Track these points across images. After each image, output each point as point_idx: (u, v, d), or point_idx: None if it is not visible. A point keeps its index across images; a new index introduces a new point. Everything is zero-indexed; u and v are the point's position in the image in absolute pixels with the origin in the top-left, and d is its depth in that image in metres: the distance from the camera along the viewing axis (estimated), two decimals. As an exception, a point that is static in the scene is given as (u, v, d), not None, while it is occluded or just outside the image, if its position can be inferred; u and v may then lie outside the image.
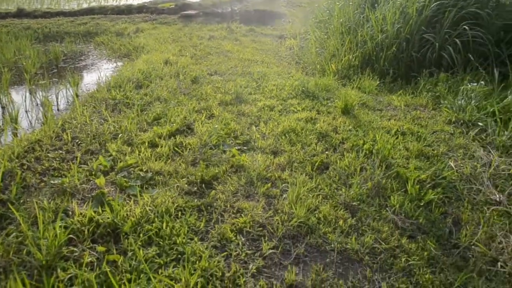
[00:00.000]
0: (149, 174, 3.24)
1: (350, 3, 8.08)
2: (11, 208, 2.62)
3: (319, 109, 4.86)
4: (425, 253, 2.53)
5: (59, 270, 2.19)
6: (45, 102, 5.20)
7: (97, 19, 13.39)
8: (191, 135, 4.03)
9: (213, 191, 3.06)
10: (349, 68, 6.67)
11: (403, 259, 2.47)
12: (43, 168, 3.28)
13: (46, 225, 2.45)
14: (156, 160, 3.47)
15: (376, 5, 7.32)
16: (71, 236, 2.45)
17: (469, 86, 5.06)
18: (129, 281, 2.16)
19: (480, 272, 2.42)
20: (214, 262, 2.33)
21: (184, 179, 3.20)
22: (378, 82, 6.00)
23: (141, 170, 3.33)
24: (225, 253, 2.45)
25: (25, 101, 5.49)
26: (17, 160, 3.34)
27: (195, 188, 3.10)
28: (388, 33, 6.52)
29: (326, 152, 3.74)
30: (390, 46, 6.43)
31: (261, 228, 2.68)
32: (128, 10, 14.91)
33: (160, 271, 2.26)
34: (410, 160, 3.64)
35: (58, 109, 5.45)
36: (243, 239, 2.57)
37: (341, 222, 2.75)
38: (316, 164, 3.49)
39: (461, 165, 3.58)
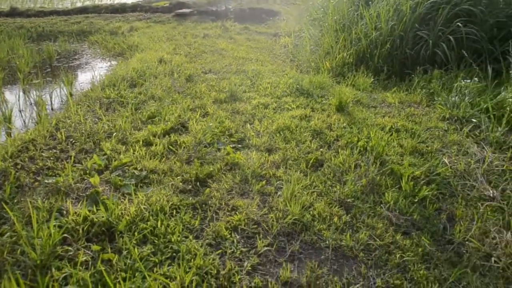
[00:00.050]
0: (144, 173, 3.24)
1: (344, 0, 8.08)
2: (5, 207, 2.61)
3: (313, 107, 4.87)
4: (420, 249, 2.54)
5: (53, 270, 2.18)
6: (39, 102, 5.18)
7: (91, 18, 13.33)
8: (185, 134, 4.03)
9: (208, 189, 3.06)
10: (343, 66, 6.67)
11: (397, 255, 2.48)
12: (37, 168, 3.26)
13: (40, 225, 2.44)
14: (150, 159, 3.47)
15: (370, 2, 7.32)
16: (65, 235, 2.45)
17: (463, 82, 5.08)
18: (124, 279, 2.15)
19: (474, 267, 2.43)
20: (209, 260, 2.33)
21: (178, 177, 3.19)
22: (372, 80, 6.01)
23: (136, 168, 3.32)
24: (220, 250, 2.45)
25: (18, 100, 5.46)
26: (10, 160, 3.32)
27: (190, 186, 3.10)
28: (382, 30, 6.53)
29: (321, 149, 3.75)
30: (384, 43, 6.44)
31: (256, 226, 2.68)
32: (122, 9, 14.85)
33: (155, 269, 2.26)
34: (404, 156, 3.65)
35: (52, 109, 5.43)
36: (238, 237, 2.58)
37: (335, 219, 2.76)
38: (311, 161, 3.50)
39: (455, 161, 3.59)
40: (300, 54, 8.16)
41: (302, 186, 3.10)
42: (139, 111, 4.54)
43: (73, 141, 3.76)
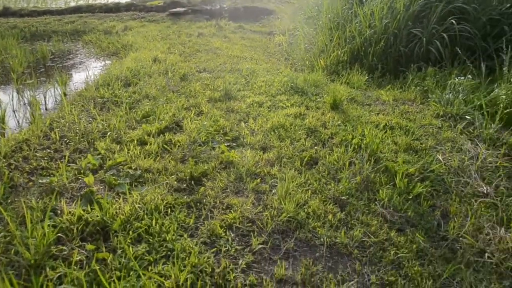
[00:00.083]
0: (138, 172, 3.23)
1: (338, -2, 8.10)
2: (-1, 208, 2.61)
3: (308, 105, 4.87)
4: (414, 246, 2.55)
5: (48, 269, 2.18)
6: (32, 102, 5.16)
7: (84, 17, 13.28)
8: (180, 132, 4.02)
9: (203, 187, 3.06)
10: (337, 64, 6.68)
11: (392, 252, 2.49)
12: (31, 168, 3.25)
13: (34, 225, 2.43)
14: (145, 158, 3.47)
15: (364, 0, 7.34)
16: (60, 235, 2.44)
17: (457, 80, 5.10)
18: (119, 278, 2.15)
19: (468, 263, 2.45)
20: (204, 258, 2.33)
21: (173, 176, 3.19)
22: (366, 77, 6.02)
23: (130, 168, 3.31)
24: (215, 249, 2.45)
25: (12, 100, 5.43)
26: (4, 160, 3.31)
27: (185, 185, 3.10)
28: (376, 28, 6.54)
29: (315, 147, 3.75)
30: (378, 41, 6.45)
31: (250, 224, 2.68)
32: (116, 8, 14.80)
33: (150, 268, 2.26)
34: (398, 154, 3.66)
35: (46, 108, 5.41)
36: (232, 235, 2.58)
37: (330, 216, 2.77)
38: (305, 159, 3.50)
39: (449, 158, 3.61)
40: (294, 53, 8.16)
41: (296, 184, 3.10)
42: (134, 111, 4.53)
43: (67, 141, 3.75)
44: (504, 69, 4.96)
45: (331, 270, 2.35)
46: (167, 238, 2.48)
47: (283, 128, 4.09)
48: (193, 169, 3.23)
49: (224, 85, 5.41)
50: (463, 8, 6.14)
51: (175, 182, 3.11)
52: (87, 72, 7.08)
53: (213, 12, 13.60)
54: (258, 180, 3.15)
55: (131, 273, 2.19)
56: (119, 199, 2.85)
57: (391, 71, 6.33)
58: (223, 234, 2.58)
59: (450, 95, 4.87)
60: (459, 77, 5.16)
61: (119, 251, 2.36)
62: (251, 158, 3.46)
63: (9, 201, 2.78)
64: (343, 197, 2.99)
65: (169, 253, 2.38)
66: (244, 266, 2.33)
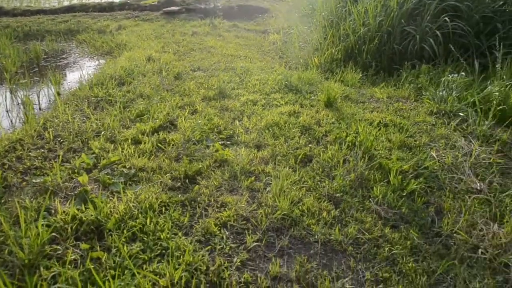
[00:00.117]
0: (133, 171, 3.23)
1: (332, -4, 8.11)
2: (-8, 207, 2.60)
3: (302, 103, 4.88)
4: (408, 242, 2.56)
5: (42, 269, 2.17)
6: (26, 101, 5.12)
7: (78, 16, 13.22)
8: (174, 131, 4.02)
9: (197, 186, 3.06)
10: (332, 62, 6.69)
11: (386, 249, 2.50)
12: (24, 167, 3.24)
13: (28, 224, 2.42)
14: (139, 157, 3.46)
15: (358, -2, 7.35)
16: (54, 234, 2.44)
17: (450, 77, 5.11)
18: (113, 277, 2.15)
19: (461, 259, 2.46)
20: (199, 256, 2.34)
21: (167, 174, 3.19)
22: (360, 75, 6.03)
23: (124, 167, 3.31)
24: (209, 247, 2.45)
25: (5, 100, 5.41)
26: (-3, 160, 3.30)
27: (179, 184, 3.10)
28: (370, 26, 6.55)
29: (309, 145, 3.76)
30: (372, 39, 6.46)
31: (245, 222, 2.69)
32: (110, 8, 14.73)
33: (144, 266, 2.26)
34: (392, 151, 3.68)
35: (40, 108, 5.38)
36: (227, 233, 2.58)
37: (324, 213, 2.77)
38: (300, 157, 3.51)
39: (443, 155, 3.62)
40: (289, 51, 8.16)
41: (291, 181, 3.11)
42: (128, 110, 4.52)
43: (61, 140, 3.74)
44: (497, 66, 4.98)
45: (326, 267, 2.36)
46: (162, 237, 2.48)
47: (277, 126, 4.10)
48: (187, 168, 3.23)
49: (219, 83, 5.41)
50: (456, 5, 6.16)
51: (170, 181, 3.11)
52: (81, 71, 7.04)
53: (207, 11, 13.57)
54: (253, 178, 3.16)
55: (125, 272, 2.19)
56: (113, 198, 2.85)
57: (385, 68, 6.34)
58: (218, 232, 2.58)
59: (444, 92, 4.89)
60: (452, 75, 5.18)
61: (113, 250, 2.36)
62: (246, 156, 3.47)
63: (2, 201, 2.77)
64: (337, 195, 3.00)
65: (163, 251, 2.38)
66: (239, 263, 2.33)
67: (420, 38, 6.07)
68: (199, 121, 4.13)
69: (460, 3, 6.13)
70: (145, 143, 3.69)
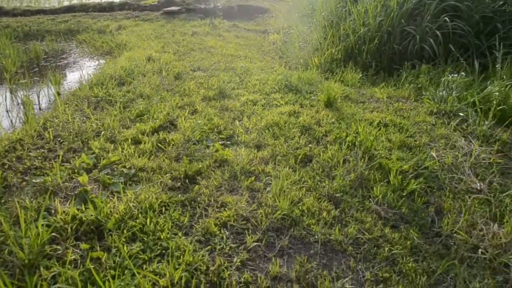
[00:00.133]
0: (133, 171, 3.23)
1: (332, -4, 8.10)
2: (-8, 207, 2.60)
3: (302, 103, 4.88)
4: (408, 242, 2.56)
5: (42, 269, 2.17)
6: (26, 101, 5.12)
7: (78, 16, 13.22)
8: (174, 131, 4.02)
9: (197, 186, 3.06)
10: (332, 62, 6.69)
11: (386, 249, 2.50)
12: (24, 167, 3.24)
13: (28, 224, 2.42)
14: (139, 157, 3.46)
15: (358, -2, 7.35)
16: (54, 234, 2.44)
17: (450, 77, 5.11)
18: (113, 277, 2.15)
19: (461, 259, 2.46)
20: (199, 256, 2.34)
21: (167, 174, 3.19)
22: (360, 75, 6.03)
23: (125, 167, 3.31)
24: (209, 247, 2.45)
25: (5, 100, 5.41)
26: (-3, 160, 3.30)
27: (179, 184, 3.10)
28: (370, 26, 6.55)
29: (309, 145, 3.76)
30: (372, 39, 6.46)
31: (245, 222, 2.68)
32: (110, 7, 14.73)
33: (144, 266, 2.26)
34: (392, 151, 3.68)
35: (40, 108, 5.38)
36: (227, 233, 2.58)
37: (324, 213, 2.77)
38: (300, 157, 3.51)
39: (443, 155, 3.62)
40: (289, 51, 8.16)
41: (291, 181, 3.11)
42: (128, 110, 4.52)
43: (61, 140, 3.74)
44: (497, 66, 4.98)
45: (326, 267, 2.36)
46: (162, 237, 2.48)
47: (277, 126, 4.10)
48: (187, 168, 3.23)
49: (219, 83, 5.41)
50: (456, 5, 6.16)
51: (170, 181, 3.11)
52: (81, 71, 7.04)
53: (207, 11, 13.56)
54: (253, 178, 3.16)
55: (125, 272, 2.19)
56: (113, 198, 2.85)
57: (385, 68, 6.34)
58: (218, 232, 2.58)
59: (444, 92, 4.89)
60: (452, 75, 5.18)
61: (113, 250, 2.36)
62: (246, 156, 3.47)
63: (2, 201, 2.77)
64: (337, 195, 3.00)
65: (163, 251, 2.38)
66: (239, 263, 2.33)
67: (420, 38, 6.07)
68: (199, 121, 4.13)
69: (460, 3, 6.13)
70: (145, 143, 3.69)
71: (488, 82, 4.87)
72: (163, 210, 2.76)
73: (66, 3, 16.09)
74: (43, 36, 10.56)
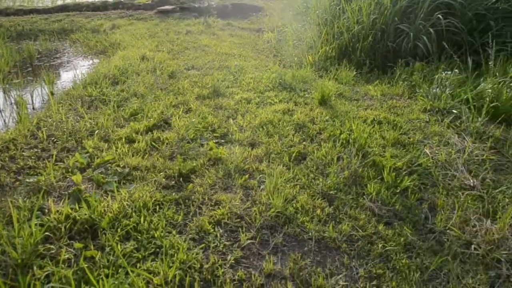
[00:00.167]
0: (127, 170, 3.22)
1: (326, -6, 8.11)
2: (-15, 207, 2.58)
3: (296, 101, 4.88)
4: (402, 239, 2.57)
5: (35, 268, 2.17)
6: (19, 101, 5.09)
7: (72, 16, 13.16)
8: (168, 130, 4.01)
9: (191, 184, 3.05)
10: (326, 60, 6.70)
11: (380, 245, 2.51)
12: (18, 167, 3.23)
13: (21, 224, 2.41)
14: (133, 156, 3.45)
15: (351, -4, 7.37)
16: (47, 233, 2.43)
17: (444, 74, 5.14)
18: (107, 276, 2.15)
19: (455, 255, 2.47)
20: (192, 254, 2.34)
21: (161, 173, 3.19)
22: (354, 73, 6.05)
23: (118, 166, 3.30)
24: (203, 245, 2.45)
25: (-2, 100, 5.39)
26: (-10, 160, 3.28)
27: (173, 182, 3.09)
28: (364, 24, 6.56)
29: (303, 143, 3.76)
30: (366, 37, 6.48)
31: (239, 220, 2.69)
32: (103, 7, 14.67)
33: (138, 265, 2.26)
34: (386, 148, 3.69)
35: (33, 108, 5.36)
36: (221, 231, 2.58)
37: (318, 211, 2.78)
38: (294, 154, 3.51)
39: (436, 152, 3.64)
40: (283, 49, 8.16)
41: (285, 179, 3.11)
42: (122, 109, 4.51)
43: (55, 140, 3.73)
44: (490, 63, 5.01)
45: (320, 264, 2.37)
46: (156, 235, 2.47)
47: (272, 124, 4.10)
48: (181, 166, 3.23)
49: (213, 82, 5.40)
50: (449, 3, 6.18)
51: (164, 179, 3.10)
52: (74, 71, 7.02)
53: (201, 10, 13.55)
54: (247, 176, 3.16)
55: (119, 271, 2.19)
56: (107, 197, 2.84)
57: (379, 66, 6.37)
58: (212, 230, 2.58)
59: (437, 89, 4.91)
60: (446, 72, 5.20)
61: (107, 249, 2.35)
62: (240, 155, 3.47)
63: (-5, 200, 2.76)
64: (331, 192, 3.01)
65: (157, 250, 2.38)
66: (233, 261, 2.34)
67: (413, 36, 6.09)
68: (193, 120, 4.12)
69: (454, 0, 6.16)
70: (139, 142, 3.68)
71: (481, 79, 4.89)
72: (157, 209, 2.75)
73: (59, 2, 16.02)
74: (36, 36, 10.50)
